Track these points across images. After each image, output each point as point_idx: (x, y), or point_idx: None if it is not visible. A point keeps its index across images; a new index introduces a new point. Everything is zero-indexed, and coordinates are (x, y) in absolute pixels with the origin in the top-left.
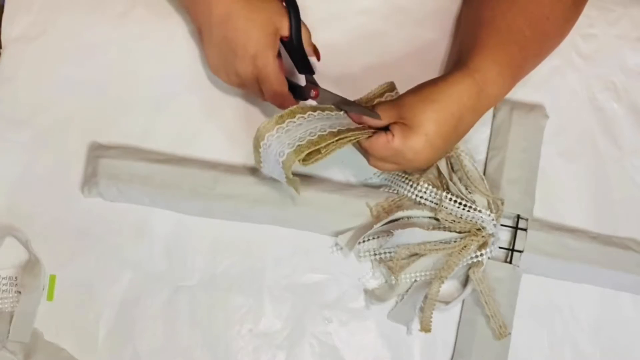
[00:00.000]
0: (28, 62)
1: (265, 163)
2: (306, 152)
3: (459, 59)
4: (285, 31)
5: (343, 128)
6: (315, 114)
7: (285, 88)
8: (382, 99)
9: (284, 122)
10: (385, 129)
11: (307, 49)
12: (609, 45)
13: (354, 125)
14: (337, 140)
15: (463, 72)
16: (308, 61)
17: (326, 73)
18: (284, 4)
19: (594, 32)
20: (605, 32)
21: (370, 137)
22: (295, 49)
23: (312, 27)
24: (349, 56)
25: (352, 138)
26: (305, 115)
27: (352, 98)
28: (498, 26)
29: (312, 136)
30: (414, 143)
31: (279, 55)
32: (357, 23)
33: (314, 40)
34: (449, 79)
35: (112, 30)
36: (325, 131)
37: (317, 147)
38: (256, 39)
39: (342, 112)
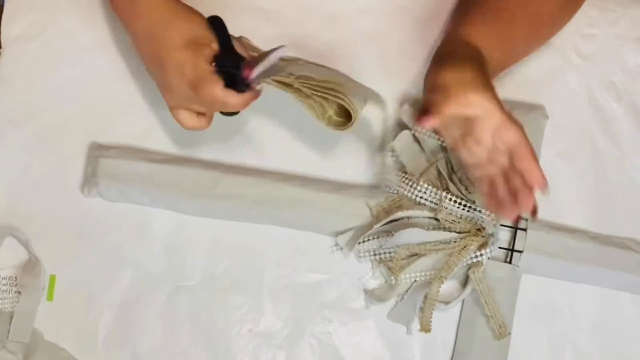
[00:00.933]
0: (28, 62)
1: None
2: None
3: (452, 31)
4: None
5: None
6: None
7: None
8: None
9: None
10: None
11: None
12: (609, 45)
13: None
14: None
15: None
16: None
17: None
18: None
19: (594, 32)
20: (605, 32)
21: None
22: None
23: (313, 27)
24: (349, 56)
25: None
26: None
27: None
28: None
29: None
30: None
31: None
32: (357, 23)
33: (314, 41)
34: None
35: (111, 30)
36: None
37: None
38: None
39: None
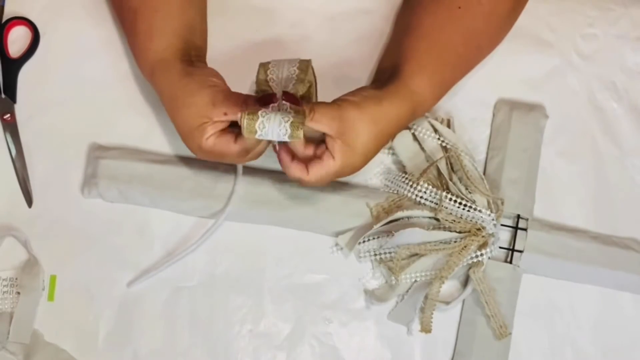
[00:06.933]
0: (28, 63)
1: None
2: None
3: (396, 70)
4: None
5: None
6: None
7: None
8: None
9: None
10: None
11: None
12: (609, 45)
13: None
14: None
15: (404, 93)
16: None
17: (326, 73)
18: None
19: (594, 32)
20: (605, 32)
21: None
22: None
23: (313, 27)
24: (349, 56)
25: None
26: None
27: None
28: (436, 41)
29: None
30: (355, 162)
31: None
32: (357, 23)
33: (313, 42)
34: (391, 99)
35: (112, 31)
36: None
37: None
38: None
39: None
